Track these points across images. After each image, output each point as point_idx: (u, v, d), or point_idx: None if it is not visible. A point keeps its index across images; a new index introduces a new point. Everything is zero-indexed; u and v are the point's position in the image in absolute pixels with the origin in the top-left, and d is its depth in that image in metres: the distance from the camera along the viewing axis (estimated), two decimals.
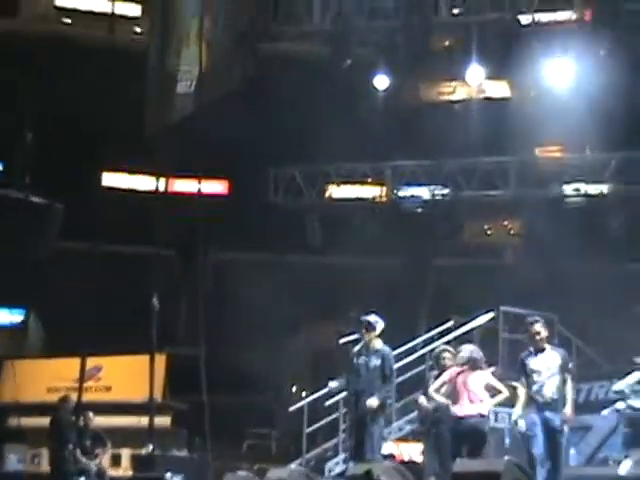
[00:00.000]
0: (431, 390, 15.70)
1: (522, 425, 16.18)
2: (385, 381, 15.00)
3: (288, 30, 31.09)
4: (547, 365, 14.00)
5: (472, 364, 15.45)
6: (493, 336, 20.40)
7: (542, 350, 14.11)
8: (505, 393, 16.01)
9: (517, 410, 14.24)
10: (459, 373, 15.33)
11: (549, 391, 13.88)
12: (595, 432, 17.36)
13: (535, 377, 13.96)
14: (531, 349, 14.23)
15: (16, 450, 28.16)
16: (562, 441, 14.05)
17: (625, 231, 26.14)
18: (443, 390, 15.50)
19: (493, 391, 15.62)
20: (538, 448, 13.80)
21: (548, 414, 13.82)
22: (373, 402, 14.69)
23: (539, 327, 14.14)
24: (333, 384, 15.23)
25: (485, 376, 15.64)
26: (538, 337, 14.11)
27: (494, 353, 20.09)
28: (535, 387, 13.95)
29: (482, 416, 15.26)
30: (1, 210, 31.08)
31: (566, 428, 14.16)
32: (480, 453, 15.00)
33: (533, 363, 14.05)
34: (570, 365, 14.44)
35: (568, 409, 13.90)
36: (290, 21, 30.75)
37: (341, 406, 19.07)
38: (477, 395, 15.31)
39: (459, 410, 15.09)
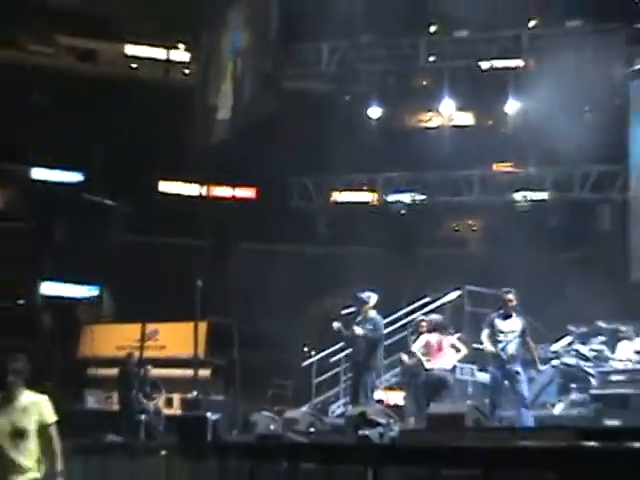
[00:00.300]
0: (414, 348, 16.01)
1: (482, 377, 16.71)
2: (376, 343, 15.29)
3: (303, 72, 31.27)
4: (512, 328, 14.21)
5: (440, 329, 15.87)
6: (460, 309, 20.52)
7: (510, 316, 14.31)
8: (465, 351, 16.38)
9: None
10: (431, 336, 15.75)
11: (511, 349, 14.11)
12: (536, 383, 17.35)
13: (501, 337, 14.18)
14: (501, 312, 14.48)
15: (93, 393, 28.28)
16: (520, 381, 14.13)
17: (560, 228, 26.23)
18: (421, 350, 15.85)
19: (457, 350, 16.05)
20: (498, 393, 14.40)
21: (508, 367, 14.03)
22: None
23: (512, 296, 14.38)
24: (337, 325, 15.31)
25: (450, 339, 16.03)
26: (510, 304, 14.31)
27: (460, 322, 20.28)
28: (500, 345, 14.15)
29: (447, 370, 15.67)
30: (82, 210, 31.40)
31: (523, 374, 14.29)
32: (445, 397, 15.38)
33: (501, 325, 14.26)
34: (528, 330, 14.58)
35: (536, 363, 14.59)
36: (304, 65, 30.91)
37: (342, 362, 19.28)
38: (444, 353, 15.69)
39: (431, 364, 15.48)
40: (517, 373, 14.10)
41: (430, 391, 15.49)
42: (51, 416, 9.64)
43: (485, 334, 14.64)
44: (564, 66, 27.66)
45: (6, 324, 28.76)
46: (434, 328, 16.16)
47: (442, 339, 15.90)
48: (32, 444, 9.40)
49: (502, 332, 14.24)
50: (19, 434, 9.40)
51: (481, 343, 15.05)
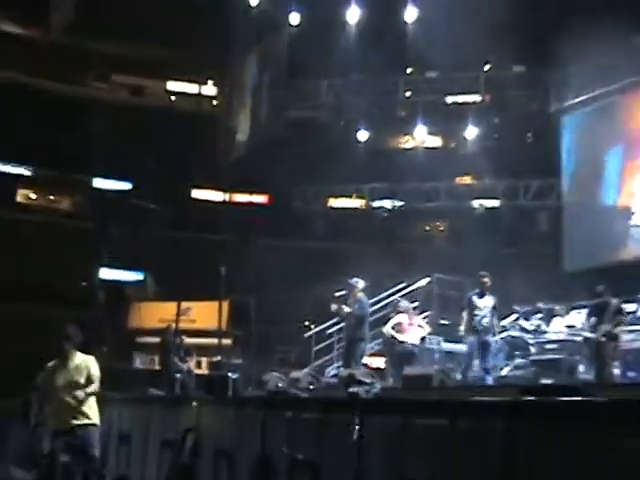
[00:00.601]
0: (387, 326, 16.07)
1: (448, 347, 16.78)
2: (363, 319, 15.29)
3: (305, 103, 31.24)
4: (485, 304, 14.22)
5: (407, 312, 16.02)
6: (430, 293, 20.49)
7: (484, 294, 14.30)
8: (428, 329, 16.54)
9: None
10: (401, 317, 15.87)
11: (485, 322, 14.17)
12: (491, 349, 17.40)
13: (477, 312, 14.17)
14: (477, 291, 14.50)
15: (140, 356, 28.34)
16: (489, 350, 14.24)
17: (508, 229, 26.24)
18: (393, 327, 15.96)
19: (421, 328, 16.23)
20: (471, 358, 14.44)
21: (483, 336, 14.09)
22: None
23: (486, 279, 14.42)
24: (334, 306, 15.33)
25: (417, 319, 16.25)
26: (485, 285, 14.37)
27: (430, 305, 20.31)
28: (477, 318, 14.18)
29: (414, 343, 15.77)
30: (131, 212, 31.42)
31: (493, 343, 14.53)
32: (416, 363, 15.47)
33: (478, 302, 14.27)
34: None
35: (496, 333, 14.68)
36: (306, 98, 30.90)
37: (335, 335, 19.29)
38: (412, 330, 15.81)
39: (403, 338, 15.56)
40: (488, 344, 14.18)
41: (402, 358, 15.60)
42: (96, 371, 9.76)
43: (465, 311, 14.68)
44: (511, 101, 27.75)
45: (73, 300, 28.87)
46: (403, 310, 16.32)
47: (410, 319, 16.07)
48: (83, 394, 9.52)
49: (478, 308, 14.19)
50: (73, 387, 9.49)
51: (460, 318, 15.12)
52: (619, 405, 5.26)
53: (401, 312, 16.33)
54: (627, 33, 22.25)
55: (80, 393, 9.55)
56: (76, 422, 9.64)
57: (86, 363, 9.79)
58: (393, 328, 15.99)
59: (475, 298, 14.41)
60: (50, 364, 9.85)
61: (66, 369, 9.71)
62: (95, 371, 9.80)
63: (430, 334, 17.13)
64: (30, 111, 32.76)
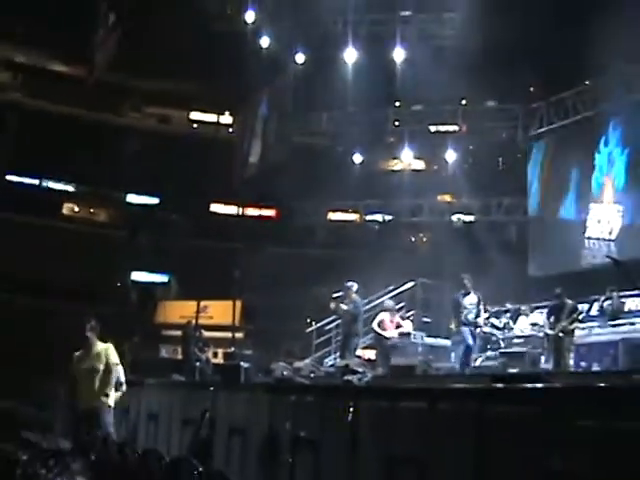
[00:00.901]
0: (373, 324, 16.05)
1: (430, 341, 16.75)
2: (356, 316, 15.30)
3: (308, 131, 31.30)
4: (470, 302, 14.28)
5: (390, 311, 16.01)
6: (414, 295, 20.50)
7: (468, 293, 14.34)
8: (408, 327, 16.56)
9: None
10: (385, 315, 15.88)
11: (470, 317, 14.26)
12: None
13: (463, 310, 14.27)
14: (462, 292, 14.51)
15: (165, 347, 28.27)
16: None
17: (482, 240, 26.17)
18: (377, 325, 15.94)
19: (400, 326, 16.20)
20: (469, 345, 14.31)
21: (471, 328, 14.25)
22: None
23: (466, 280, 14.53)
24: (332, 305, 15.36)
25: (397, 317, 16.20)
26: (467, 285, 14.43)
27: (415, 305, 20.34)
28: (464, 313, 14.26)
29: (394, 338, 15.71)
30: (158, 223, 31.49)
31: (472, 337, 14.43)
32: (401, 355, 15.46)
33: (464, 300, 14.33)
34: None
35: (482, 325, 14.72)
36: (309, 126, 30.96)
37: (333, 330, 19.28)
38: (394, 327, 15.81)
39: (385, 333, 15.56)
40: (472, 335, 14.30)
41: (387, 351, 15.59)
42: (115, 358, 9.78)
43: (453, 310, 14.79)
44: (484, 130, 27.79)
45: (109, 299, 28.88)
46: (386, 309, 16.30)
47: (392, 317, 16.04)
48: (104, 378, 9.54)
49: (464, 306, 14.24)
50: (94, 372, 9.52)
51: (449, 318, 15.34)
52: (574, 390, 5.30)
53: (384, 311, 16.29)
54: (582, 75, 22.54)
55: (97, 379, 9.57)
56: (94, 404, 9.63)
57: (106, 351, 9.79)
58: (378, 325, 15.95)
59: (460, 298, 14.40)
60: (77, 353, 9.87)
61: (89, 357, 9.75)
62: (114, 358, 9.81)
63: (412, 330, 17.12)
64: (73, 137, 32.87)
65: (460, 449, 5.75)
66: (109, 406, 9.72)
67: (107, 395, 9.68)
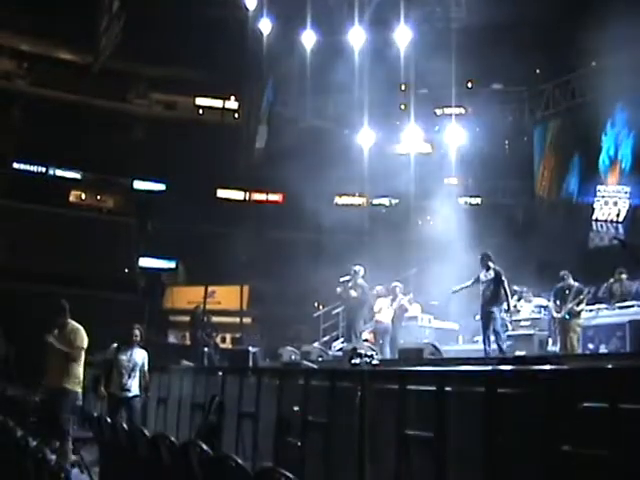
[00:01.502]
0: (374, 308, 16.02)
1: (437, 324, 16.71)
2: (363, 302, 15.30)
3: (314, 115, 31.23)
4: (487, 278, 13.29)
5: (386, 295, 16.04)
6: (422, 278, 20.47)
7: (488, 269, 13.36)
8: (412, 310, 16.53)
9: None
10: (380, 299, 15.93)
11: (487, 293, 13.23)
12: (472, 327, 17.35)
13: (481, 286, 13.39)
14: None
15: (173, 332, 28.44)
16: (494, 319, 13.17)
17: (489, 222, 26.13)
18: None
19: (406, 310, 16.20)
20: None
21: (486, 306, 13.20)
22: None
23: (483, 262, 13.49)
24: (339, 289, 15.40)
25: (401, 301, 16.15)
26: (484, 261, 13.42)
27: (422, 288, 20.29)
28: (480, 291, 13.44)
29: (386, 322, 15.84)
30: (165, 209, 31.48)
31: (497, 313, 13.30)
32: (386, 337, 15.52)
33: (481, 276, 13.39)
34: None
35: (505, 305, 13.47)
36: (316, 110, 30.91)
37: (340, 314, 19.27)
38: (388, 310, 15.88)
39: (377, 317, 15.92)
40: (491, 313, 13.12)
41: (379, 334, 15.87)
42: (79, 342, 9.45)
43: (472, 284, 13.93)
44: (490, 113, 27.70)
45: (118, 285, 28.98)
46: (380, 296, 16.30)
47: (386, 302, 16.03)
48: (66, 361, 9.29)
49: (481, 281, 13.40)
50: (58, 353, 9.32)
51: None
52: (581, 372, 5.30)
53: (380, 296, 16.30)
54: (588, 57, 22.42)
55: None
56: (54, 385, 9.33)
57: (73, 332, 9.41)
58: (379, 312, 15.92)
59: (481, 274, 13.49)
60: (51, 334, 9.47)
61: (60, 337, 9.42)
62: (78, 341, 9.37)
63: (420, 314, 17.10)
64: (80, 124, 32.92)
65: (469, 431, 5.77)
66: (65, 389, 9.26)
67: (66, 378, 9.25)
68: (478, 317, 14.39)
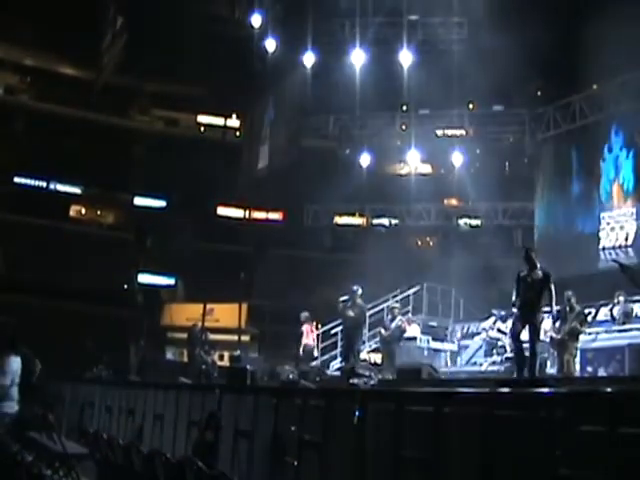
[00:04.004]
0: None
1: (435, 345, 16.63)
2: (361, 321, 15.29)
3: (315, 134, 31.25)
4: (533, 278, 11.13)
5: (308, 321, 16.42)
6: (420, 299, 20.47)
7: (534, 267, 11.25)
8: (416, 332, 16.54)
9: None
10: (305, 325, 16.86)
11: (528, 296, 11.08)
12: (470, 348, 17.35)
13: (523, 287, 11.15)
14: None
15: (171, 349, 28.35)
16: (534, 330, 10.94)
17: (488, 244, 26.15)
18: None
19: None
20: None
21: (527, 313, 11.08)
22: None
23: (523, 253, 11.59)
24: (342, 299, 15.41)
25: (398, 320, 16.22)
26: (528, 259, 11.34)
27: (420, 308, 20.30)
28: (521, 294, 11.20)
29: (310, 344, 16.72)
30: (165, 226, 31.52)
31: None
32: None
33: (526, 277, 11.20)
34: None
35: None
36: (316, 129, 30.92)
37: (339, 334, 19.24)
38: (311, 334, 16.87)
39: (304, 341, 16.82)
40: (532, 323, 11.00)
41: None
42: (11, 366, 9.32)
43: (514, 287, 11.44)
44: (491, 134, 27.79)
45: (116, 301, 28.93)
46: (304, 321, 17.06)
47: (310, 327, 17.14)
48: None
49: (525, 282, 11.12)
50: None
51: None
52: (579, 396, 5.28)
53: (303, 322, 16.83)
54: (589, 80, 22.49)
55: None
56: None
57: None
58: (301, 335, 16.65)
59: (522, 274, 11.31)
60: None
61: None
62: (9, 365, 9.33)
63: (419, 334, 17.11)
64: (81, 140, 33.03)
65: (466, 453, 5.74)
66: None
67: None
68: (476, 338, 14.43)
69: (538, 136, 25.35)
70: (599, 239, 21.57)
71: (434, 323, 19.47)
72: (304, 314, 17.09)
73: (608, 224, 21.44)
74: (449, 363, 17.51)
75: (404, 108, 30.32)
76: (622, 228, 20.90)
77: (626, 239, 20.68)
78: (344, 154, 32.33)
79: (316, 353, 17.18)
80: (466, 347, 18.11)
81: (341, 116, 29.86)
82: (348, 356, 15.12)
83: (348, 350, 15.26)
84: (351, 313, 14.99)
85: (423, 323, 19.00)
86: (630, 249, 20.45)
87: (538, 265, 11.25)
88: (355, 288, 15.17)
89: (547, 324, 15.63)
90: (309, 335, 16.57)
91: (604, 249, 21.22)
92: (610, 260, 18.10)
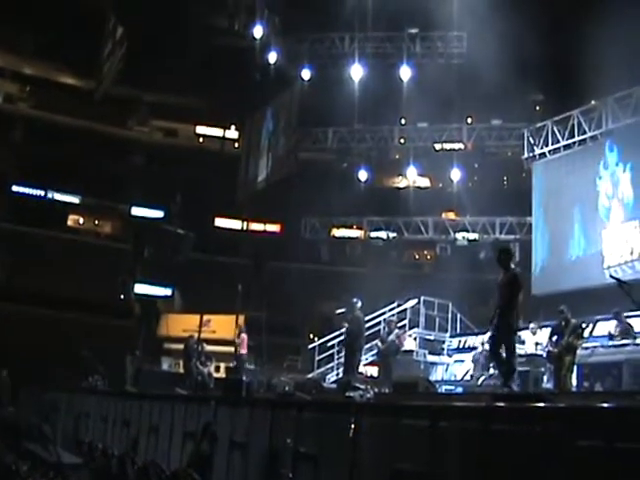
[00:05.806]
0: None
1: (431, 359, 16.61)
2: (359, 333, 15.26)
3: (314, 147, 31.35)
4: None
5: (389, 328, 16.10)
6: (417, 313, 20.43)
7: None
8: (412, 345, 16.49)
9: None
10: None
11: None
12: (467, 362, 17.30)
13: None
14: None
15: (167, 360, 28.25)
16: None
17: (486, 258, 26.15)
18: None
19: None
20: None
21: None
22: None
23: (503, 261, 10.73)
24: (340, 310, 15.36)
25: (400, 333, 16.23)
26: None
27: (417, 321, 20.26)
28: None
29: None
30: (163, 236, 31.36)
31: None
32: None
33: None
34: None
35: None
36: (315, 143, 31.00)
37: (335, 347, 19.24)
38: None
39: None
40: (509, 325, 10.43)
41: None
42: None
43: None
44: (489, 148, 27.85)
45: (112, 312, 28.87)
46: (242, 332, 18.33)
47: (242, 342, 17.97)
48: None
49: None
50: None
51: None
52: (576, 411, 5.28)
53: (241, 332, 18.14)
54: (588, 95, 22.52)
55: None
56: None
57: None
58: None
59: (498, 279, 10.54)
60: None
61: None
62: None
63: (415, 348, 17.09)
64: (80, 149, 33.05)
65: (462, 467, 5.73)
66: None
67: None
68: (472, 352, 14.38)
69: (536, 150, 25.37)
70: (603, 258, 21.16)
71: (431, 337, 19.44)
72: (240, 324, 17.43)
73: (610, 241, 21.12)
74: (445, 377, 17.46)
75: (403, 121, 30.45)
76: (627, 242, 20.37)
77: (631, 253, 20.09)
78: (342, 167, 32.45)
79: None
80: (462, 361, 18.08)
81: (340, 129, 29.98)
82: (345, 369, 15.09)
83: (345, 362, 15.24)
84: (350, 325, 14.98)
85: (420, 337, 18.97)
86: (637, 263, 19.85)
87: (511, 267, 10.62)
88: (355, 300, 15.16)
89: (543, 336, 15.66)
90: (243, 344, 17.13)
91: (609, 268, 20.40)
92: (609, 276, 18.00)
